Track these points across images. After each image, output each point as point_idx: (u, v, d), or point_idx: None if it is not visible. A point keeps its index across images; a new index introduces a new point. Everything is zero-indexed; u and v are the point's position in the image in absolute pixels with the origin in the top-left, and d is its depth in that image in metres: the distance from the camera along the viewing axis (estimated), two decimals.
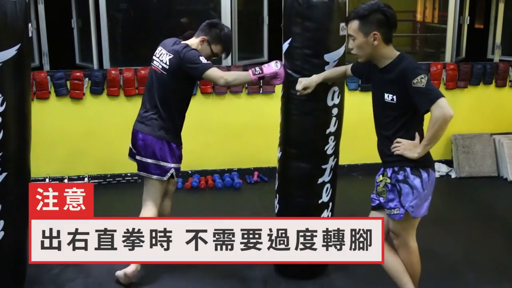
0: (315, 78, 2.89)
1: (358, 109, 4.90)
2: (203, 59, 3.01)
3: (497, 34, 5.53)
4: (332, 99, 3.02)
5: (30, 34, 2.82)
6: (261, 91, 4.90)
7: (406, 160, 2.52)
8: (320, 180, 3.08)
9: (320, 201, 3.11)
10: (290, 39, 2.97)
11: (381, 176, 2.64)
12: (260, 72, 2.99)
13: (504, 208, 4.48)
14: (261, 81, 3.14)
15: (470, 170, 5.20)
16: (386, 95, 2.52)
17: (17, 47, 2.67)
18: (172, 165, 3.15)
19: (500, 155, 5.23)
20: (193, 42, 3.15)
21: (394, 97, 2.49)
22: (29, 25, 2.80)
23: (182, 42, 3.17)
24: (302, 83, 2.88)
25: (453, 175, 5.19)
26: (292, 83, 2.99)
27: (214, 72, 2.98)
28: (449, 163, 5.31)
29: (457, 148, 5.24)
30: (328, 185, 3.12)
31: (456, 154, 5.24)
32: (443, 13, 5.54)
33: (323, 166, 3.07)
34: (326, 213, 3.15)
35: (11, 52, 2.65)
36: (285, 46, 3.02)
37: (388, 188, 2.58)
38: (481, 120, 5.37)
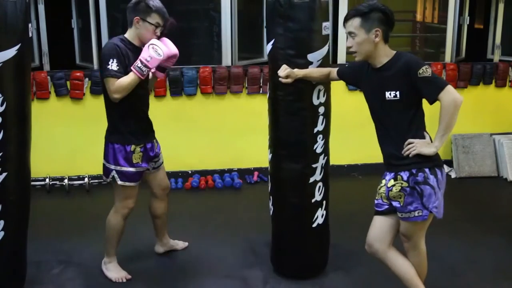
0: (297, 71, 2.92)
1: (358, 109, 4.90)
2: (112, 64, 2.88)
3: (497, 34, 5.54)
4: (318, 97, 3.02)
5: (30, 34, 2.81)
6: (261, 91, 4.90)
7: (423, 161, 2.50)
8: (311, 179, 3.08)
9: (313, 200, 3.11)
10: (273, 40, 2.98)
11: (392, 180, 2.57)
12: (147, 69, 2.91)
13: (504, 208, 4.48)
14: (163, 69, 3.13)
15: (470, 170, 5.20)
16: (387, 94, 2.51)
17: (17, 47, 2.66)
18: (113, 166, 3.07)
19: (500, 155, 5.23)
20: (131, 30, 3.04)
21: (397, 93, 2.48)
22: (29, 25, 2.79)
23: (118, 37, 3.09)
24: (286, 70, 2.91)
25: (453, 175, 5.19)
26: (277, 85, 2.99)
27: (109, 85, 2.89)
28: (449, 163, 5.31)
29: (457, 148, 5.24)
30: (320, 183, 3.12)
31: (456, 154, 5.24)
32: (443, 13, 5.54)
33: (314, 165, 3.07)
34: (320, 212, 3.15)
35: (11, 52, 2.65)
36: (269, 47, 3.03)
37: (406, 192, 2.53)
38: (481, 120, 5.38)
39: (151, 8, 2.95)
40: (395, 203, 2.58)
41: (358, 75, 2.72)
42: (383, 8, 2.52)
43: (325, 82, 3.03)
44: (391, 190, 2.58)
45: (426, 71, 2.42)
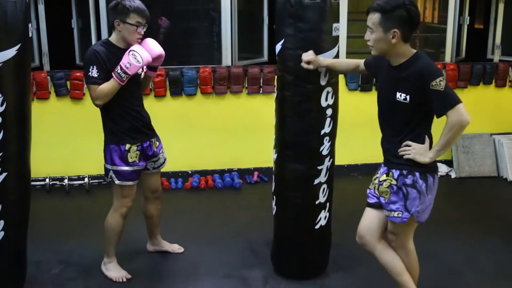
0: (322, 60, 2.86)
1: (358, 109, 4.91)
2: (92, 70, 2.93)
3: (497, 34, 5.54)
4: (326, 99, 3.00)
5: (30, 34, 2.81)
6: (261, 91, 4.90)
7: (416, 164, 2.47)
8: (316, 181, 3.08)
9: (317, 202, 3.11)
10: (283, 40, 2.96)
11: (385, 175, 2.58)
12: (126, 75, 2.93)
13: (504, 208, 4.48)
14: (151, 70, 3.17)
15: (470, 170, 5.20)
16: (398, 94, 2.46)
17: (17, 47, 2.66)
18: (110, 166, 3.10)
19: (500, 155, 5.23)
20: (114, 33, 3.04)
21: (408, 96, 2.43)
22: (29, 25, 2.79)
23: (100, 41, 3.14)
24: (310, 57, 2.84)
25: (453, 175, 5.19)
26: (285, 85, 2.99)
27: (90, 92, 2.96)
28: (449, 163, 5.31)
29: (457, 148, 5.24)
30: (324, 185, 3.12)
31: (456, 154, 5.24)
32: (443, 13, 5.54)
33: (319, 167, 3.07)
34: (323, 214, 3.15)
35: (11, 52, 2.65)
36: (278, 47, 3.02)
37: (392, 190, 2.54)
38: (481, 120, 5.37)
39: (128, 8, 2.95)
40: (381, 198, 2.60)
41: (378, 66, 2.64)
42: (409, 7, 2.38)
43: (351, 73, 2.94)
44: (381, 185, 2.59)
45: (439, 84, 2.34)
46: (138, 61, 2.93)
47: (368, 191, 2.71)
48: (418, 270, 2.75)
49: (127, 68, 2.92)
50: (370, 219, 2.69)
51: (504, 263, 3.48)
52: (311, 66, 2.86)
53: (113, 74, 2.93)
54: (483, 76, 5.29)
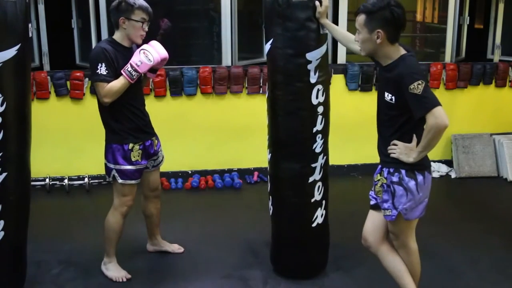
0: (324, 17, 2.90)
1: (358, 109, 4.91)
2: (101, 68, 2.93)
3: (497, 34, 5.54)
4: (317, 97, 3.01)
5: (30, 34, 2.81)
6: (261, 91, 4.90)
7: (401, 162, 2.51)
8: (311, 179, 3.08)
9: (313, 200, 3.12)
10: (272, 39, 2.98)
11: (378, 175, 2.63)
12: (137, 73, 2.95)
13: (504, 208, 4.48)
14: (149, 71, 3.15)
15: (470, 170, 5.20)
16: (386, 94, 2.51)
17: (17, 47, 2.66)
18: (112, 166, 3.10)
19: (500, 155, 5.23)
20: (118, 32, 3.06)
21: (393, 98, 2.47)
22: (29, 25, 2.79)
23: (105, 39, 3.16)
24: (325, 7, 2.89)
25: (453, 175, 5.19)
26: (276, 85, 3.00)
27: (99, 89, 2.95)
28: (449, 163, 5.31)
29: (457, 148, 5.24)
30: (319, 183, 3.12)
31: (456, 154, 5.24)
32: (443, 13, 5.54)
33: (313, 165, 3.07)
34: (320, 211, 3.16)
35: (11, 52, 2.65)
36: (267, 47, 3.03)
37: (383, 189, 2.58)
38: (481, 120, 5.38)
39: (132, 5, 2.99)
40: (378, 198, 2.64)
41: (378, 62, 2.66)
42: (392, 8, 2.42)
43: (345, 46, 2.93)
44: (376, 184, 2.64)
45: (417, 87, 2.36)
46: (149, 59, 2.96)
47: (370, 192, 2.74)
48: (419, 270, 2.75)
49: (138, 66, 2.94)
50: (372, 221, 2.72)
51: (504, 263, 3.48)
52: (320, 8, 2.87)
53: (123, 72, 2.94)
54: (483, 76, 5.29)
